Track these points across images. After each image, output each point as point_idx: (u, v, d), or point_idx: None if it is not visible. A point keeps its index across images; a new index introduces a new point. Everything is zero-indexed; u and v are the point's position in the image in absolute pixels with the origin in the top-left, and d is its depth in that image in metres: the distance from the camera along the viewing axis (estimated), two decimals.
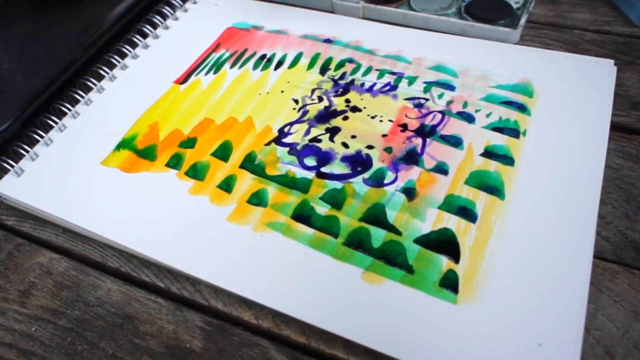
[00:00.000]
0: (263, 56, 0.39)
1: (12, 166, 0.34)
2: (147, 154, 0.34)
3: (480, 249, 0.27)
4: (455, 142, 0.32)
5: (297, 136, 0.34)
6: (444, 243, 0.27)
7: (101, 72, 0.39)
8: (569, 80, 0.34)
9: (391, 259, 0.27)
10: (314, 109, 0.35)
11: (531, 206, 0.28)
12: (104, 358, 0.26)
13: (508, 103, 0.34)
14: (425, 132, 0.33)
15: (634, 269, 0.27)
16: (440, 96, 0.35)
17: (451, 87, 0.35)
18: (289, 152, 0.33)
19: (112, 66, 0.40)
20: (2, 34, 0.42)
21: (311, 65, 0.38)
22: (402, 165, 0.31)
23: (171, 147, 0.34)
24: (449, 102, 0.34)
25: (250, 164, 0.32)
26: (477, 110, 0.34)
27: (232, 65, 0.39)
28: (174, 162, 0.33)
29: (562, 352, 0.23)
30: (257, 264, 0.28)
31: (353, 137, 0.33)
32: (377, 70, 0.37)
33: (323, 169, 0.32)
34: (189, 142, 0.34)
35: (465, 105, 0.34)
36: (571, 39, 0.38)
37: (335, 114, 0.35)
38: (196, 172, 0.32)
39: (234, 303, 0.27)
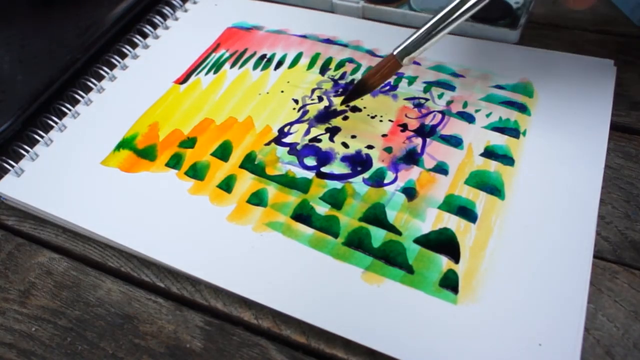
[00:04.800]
0: (263, 56, 0.39)
1: (12, 166, 0.34)
2: (147, 153, 0.34)
3: (480, 249, 0.27)
4: (455, 142, 0.32)
5: (297, 136, 0.34)
6: (444, 243, 0.27)
7: (101, 72, 0.39)
8: (569, 80, 0.34)
9: (391, 259, 0.27)
10: (314, 109, 0.35)
11: (531, 206, 0.28)
12: (104, 358, 0.26)
13: (508, 103, 0.34)
14: (425, 132, 0.33)
15: (634, 269, 0.27)
16: (440, 96, 0.35)
17: (451, 87, 0.35)
18: (289, 152, 0.33)
19: (112, 66, 0.40)
20: (2, 34, 0.42)
21: (311, 65, 0.38)
22: (402, 165, 0.31)
23: (171, 147, 0.34)
24: (449, 102, 0.34)
25: (250, 163, 0.32)
26: (477, 110, 0.34)
27: (232, 65, 0.39)
28: (174, 162, 0.33)
29: (562, 352, 0.23)
30: (257, 264, 0.28)
31: (353, 137, 0.33)
32: None
33: (323, 169, 0.32)
34: (189, 142, 0.34)
35: (465, 105, 0.34)
36: (571, 39, 0.38)
37: (335, 113, 0.35)
38: (196, 172, 0.32)
39: (234, 303, 0.27)
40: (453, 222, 0.28)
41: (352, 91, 0.33)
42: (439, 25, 0.30)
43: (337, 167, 0.32)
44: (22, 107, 0.36)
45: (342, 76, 0.37)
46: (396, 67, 0.31)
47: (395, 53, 0.31)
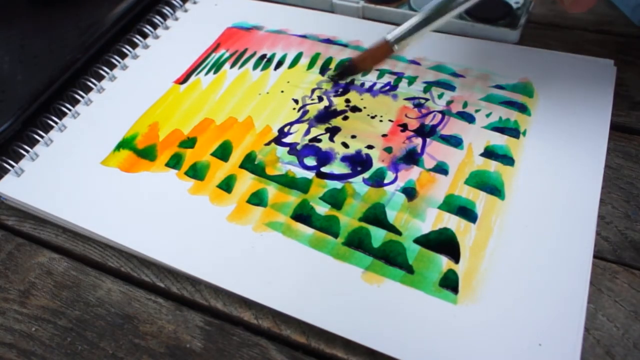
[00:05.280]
0: (263, 56, 0.39)
1: (12, 166, 0.34)
2: (147, 153, 0.34)
3: (480, 249, 0.27)
4: (455, 142, 0.32)
5: (297, 136, 0.34)
6: (444, 243, 0.27)
7: (101, 72, 0.39)
8: (569, 80, 0.34)
9: (391, 258, 0.27)
10: (314, 109, 0.35)
11: (531, 206, 0.28)
12: (104, 358, 0.26)
13: (508, 103, 0.34)
14: (425, 132, 0.33)
15: (634, 269, 0.27)
16: (440, 96, 0.35)
17: (451, 87, 0.35)
18: (289, 152, 0.33)
19: (112, 66, 0.40)
20: (2, 34, 0.42)
21: (311, 65, 0.38)
22: (402, 165, 0.31)
23: (171, 147, 0.34)
24: (449, 102, 0.34)
25: (250, 163, 0.32)
26: (477, 110, 0.34)
27: (232, 65, 0.39)
28: (174, 162, 0.33)
29: (562, 352, 0.23)
30: (257, 264, 0.28)
31: (353, 137, 0.33)
32: (377, 70, 0.37)
33: (323, 169, 0.32)
34: (189, 142, 0.34)
35: (465, 105, 0.34)
36: (571, 39, 0.38)
37: (335, 113, 0.35)
38: (196, 172, 0.32)
39: (234, 303, 0.27)
40: (453, 222, 0.28)
41: (341, 72, 0.33)
42: (436, 13, 0.29)
43: (337, 167, 0.32)
44: (22, 107, 0.36)
45: None
46: (388, 52, 0.31)
47: (388, 38, 0.31)
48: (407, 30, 0.30)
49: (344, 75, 0.34)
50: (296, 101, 0.36)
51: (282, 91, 0.37)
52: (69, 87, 0.38)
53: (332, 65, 0.38)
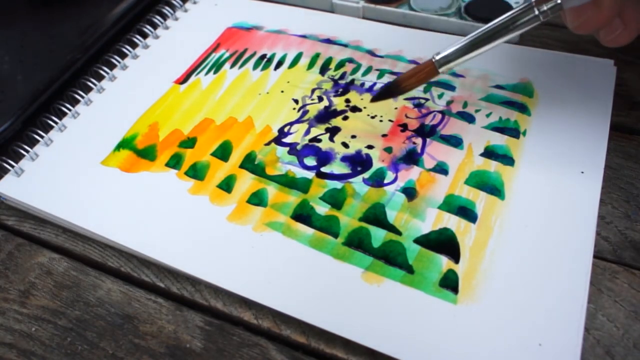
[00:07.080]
0: (263, 56, 0.39)
1: (12, 166, 0.34)
2: (147, 153, 0.34)
3: (480, 249, 0.27)
4: (455, 142, 0.32)
5: (297, 136, 0.34)
6: (444, 243, 0.28)
7: (101, 72, 0.39)
8: (569, 80, 0.34)
9: (391, 258, 0.27)
10: (314, 109, 0.35)
11: (531, 206, 0.28)
12: (104, 358, 0.26)
13: (508, 103, 0.34)
14: (425, 132, 0.33)
15: (634, 269, 0.27)
16: (440, 96, 0.35)
17: (451, 87, 0.35)
18: (289, 152, 0.33)
19: (112, 66, 0.40)
20: (2, 34, 0.42)
21: (311, 65, 0.38)
22: (402, 165, 0.31)
23: (171, 147, 0.34)
24: (449, 102, 0.34)
25: (250, 163, 0.32)
26: (477, 110, 0.34)
27: (232, 65, 0.39)
28: (174, 162, 0.33)
29: (562, 352, 0.23)
30: (257, 264, 0.28)
31: (353, 137, 0.33)
32: (377, 70, 0.37)
33: (323, 169, 0.32)
34: (189, 142, 0.34)
35: (465, 105, 0.34)
36: (571, 39, 0.38)
37: (335, 113, 0.35)
38: (196, 172, 0.32)
39: (234, 303, 0.27)
40: (453, 222, 0.28)
41: (384, 91, 0.32)
42: (485, 37, 0.28)
43: (337, 167, 0.32)
44: (22, 107, 0.36)
45: (342, 76, 0.37)
46: (433, 74, 0.30)
47: (434, 60, 0.29)
48: (454, 54, 0.29)
49: (386, 95, 0.32)
50: (296, 101, 0.36)
51: (282, 91, 0.37)
52: (69, 87, 0.38)
53: (332, 65, 0.38)
